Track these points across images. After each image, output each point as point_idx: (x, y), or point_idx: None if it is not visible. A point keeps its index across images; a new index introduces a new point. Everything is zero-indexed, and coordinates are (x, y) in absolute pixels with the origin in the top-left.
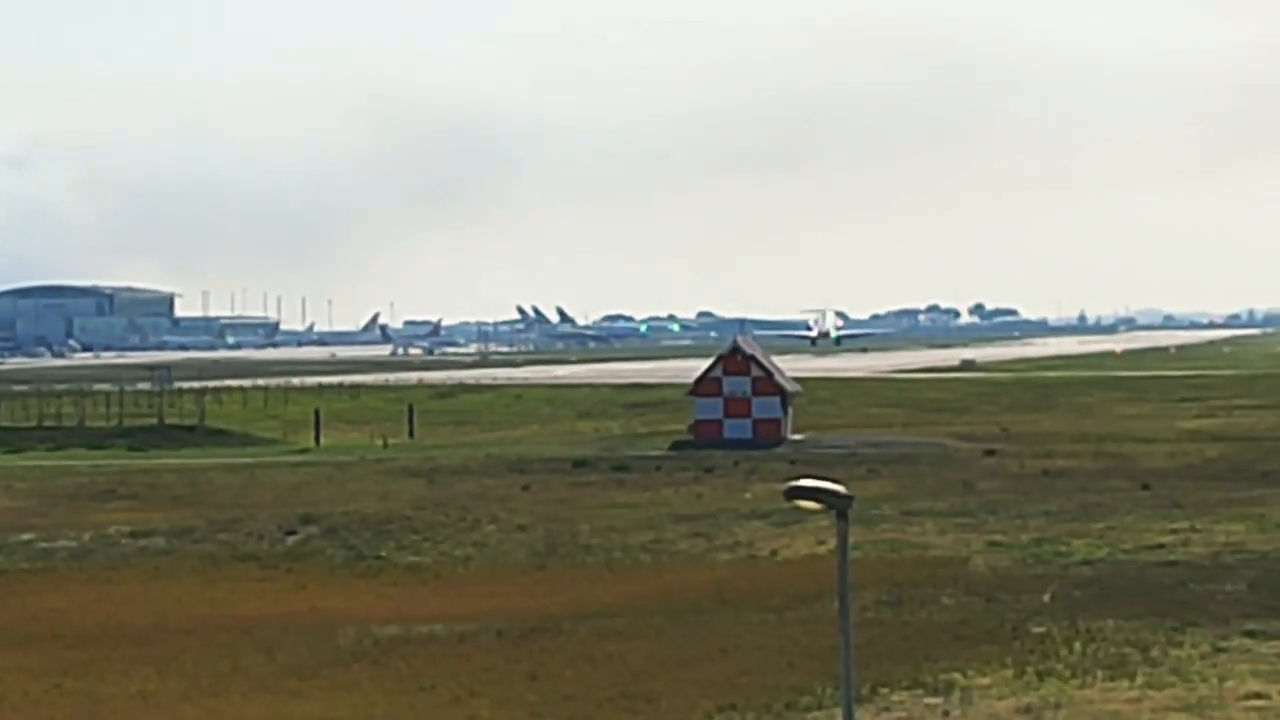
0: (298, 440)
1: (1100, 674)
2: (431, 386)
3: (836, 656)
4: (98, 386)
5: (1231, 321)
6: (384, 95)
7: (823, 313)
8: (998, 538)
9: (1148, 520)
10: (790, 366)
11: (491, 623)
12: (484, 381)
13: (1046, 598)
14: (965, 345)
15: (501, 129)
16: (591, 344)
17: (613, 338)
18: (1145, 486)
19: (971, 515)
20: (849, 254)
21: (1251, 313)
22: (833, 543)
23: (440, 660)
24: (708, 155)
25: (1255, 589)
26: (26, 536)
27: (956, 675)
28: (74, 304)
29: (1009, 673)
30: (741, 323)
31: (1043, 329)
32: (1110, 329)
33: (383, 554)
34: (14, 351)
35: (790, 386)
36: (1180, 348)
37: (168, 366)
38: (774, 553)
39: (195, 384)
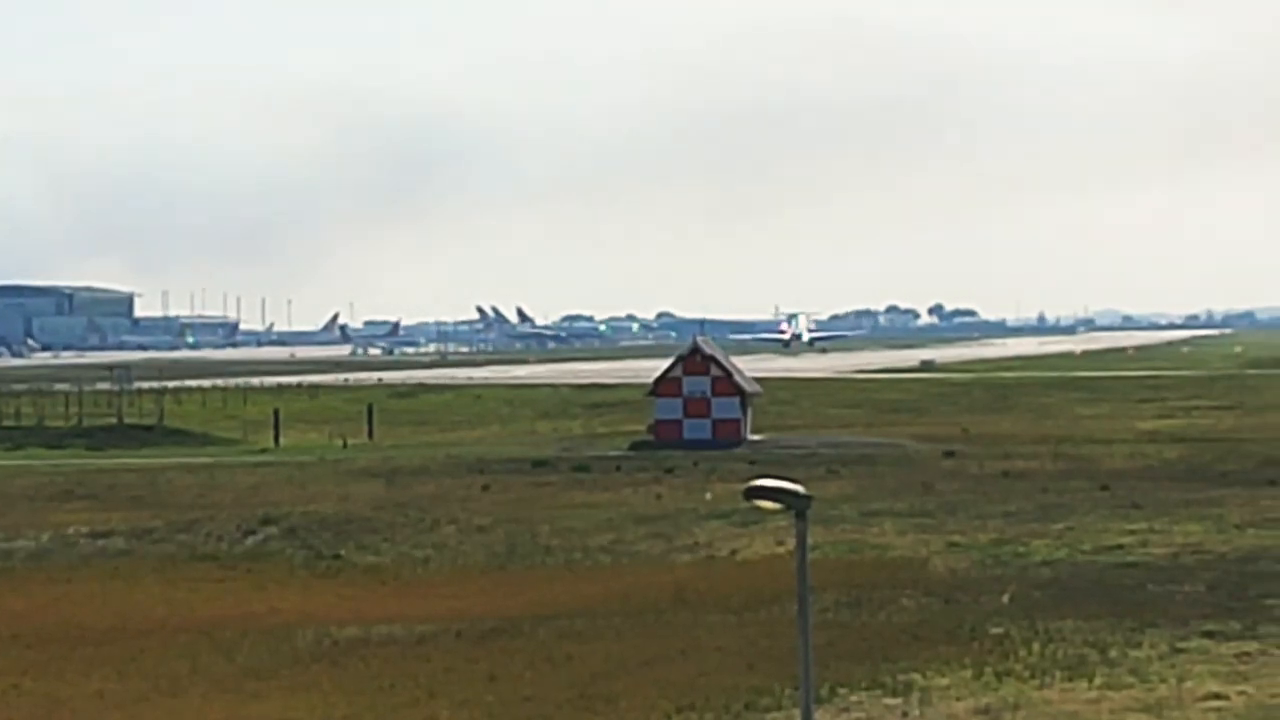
0: (257, 440)
1: (1059, 674)
2: (391, 387)
3: (796, 657)
4: (57, 386)
5: (1190, 322)
6: (344, 96)
7: (795, 315)
8: (957, 539)
9: (1106, 521)
10: (750, 367)
11: (451, 624)
12: (444, 382)
13: (1005, 598)
14: (924, 346)
15: (461, 129)
16: (551, 344)
17: (572, 338)
18: (1104, 487)
19: (931, 516)
20: (808, 255)
21: (1210, 313)
22: (792, 543)
23: (399, 661)
24: (667, 156)
25: (1214, 590)
26: None
27: (915, 676)
28: (33, 303)
29: (968, 673)
30: (701, 323)
31: (1002, 330)
32: (1069, 330)
33: (342, 555)
34: None
35: (750, 387)
36: (1139, 348)
37: (127, 366)
38: (733, 553)
39: (154, 384)
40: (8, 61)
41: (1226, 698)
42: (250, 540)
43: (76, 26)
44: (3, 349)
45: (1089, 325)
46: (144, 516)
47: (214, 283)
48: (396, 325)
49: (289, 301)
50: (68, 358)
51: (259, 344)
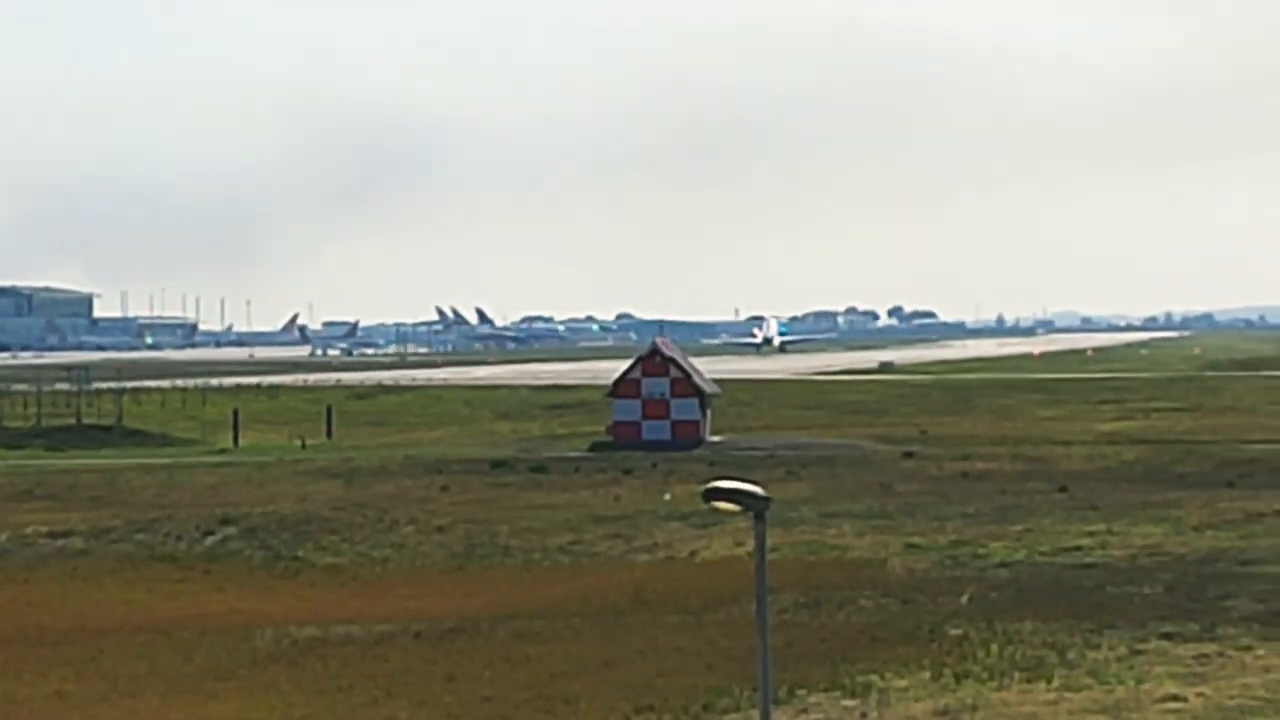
0: (216, 441)
1: (1017, 676)
2: (350, 387)
3: (754, 658)
4: (15, 386)
5: (1149, 324)
6: (303, 97)
7: (767, 319)
8: (916, 540)
9: (1065, 522)
10: (709, 368)
11: (409, 624)
12: (403, 382)
13: (964, 600)
14: (884, 347)
15: (421, 130)
16: (510, 345)
17: (532, 339)
18: (1063, 489)
19: (890, 517)
20: (767, 256)
21: (1169, 315)
22: (751, 544)
23: (358, 661)
24: (627, 157)
25: (1172, 591)
26: None
27: (874, 677)
28: None
29: (926, 674)
30: (661, 324)
31: (961, 331)
32: (1028, 331)
33: (300, 555)
34: None
35: (709, 388)
36: (1098, 350)
37: (86, 367)
38: (693, 554)
39: (113, 384)
40: None
41: (1185, 699)
42: (209, 540)
43: (35, 27)
44: None
45: (1048, 327)
46: (103, 517)
47: (173, 284)
48: (355, 326)
49: (248, 302)
50: (26, 358)
51: (218, 345)
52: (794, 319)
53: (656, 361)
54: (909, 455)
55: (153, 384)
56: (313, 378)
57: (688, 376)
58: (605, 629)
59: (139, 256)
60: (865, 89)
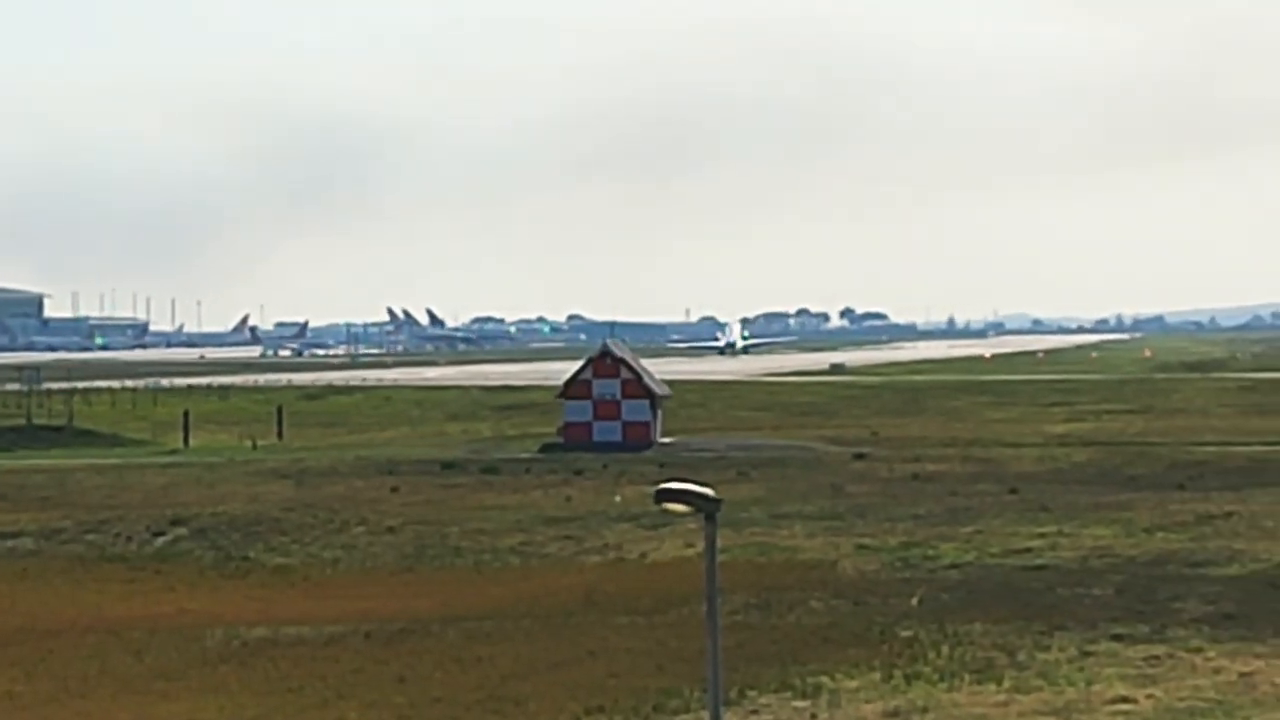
0: (166, 441)
1: (968, 677)
2: (300, 388)
3: (705, 659)
4: None
5: (1100, 326)
6: (253, 98)
7: (730, 324)
8: (866, 541)
9: (1015, 524)
10: (660, 370)
11: (360, 625)
12: (353, 383)
13: (914, 601)
14: (835, 349)
15: (372, 131)
16: (461, 346)
17: (483, 340)
18: (1013, 490)
19: (840, 519)
20: (718, 257)
21: (1120, 318)
22: (701, 546)
23: (308, 662)
24: (577, 159)
25: (1122, 593)
26: None
27: (824, 678)
28: None
29: (876, 676)
30: (612, 325)
31: (912, 333)
32: (979, 333)
33: (251, 556)
34: None
35: (659, 389)
36: (1049, 352)
37: (36, 367)
38: (643, 555)
39: (64, 385)
40: None
41: (1135, 701)
42: (159, 541)
43: None
44: None
45: (999, 329)
46: (53, 517)
47: (124, 284)
48: (305, 326)
49: (199, 303)
50: None
51: (169, 345)
52: (745, 320)
53: (607, 363)
54: (860, 457)
55: (103, 384)
56: (263, 378)
57: (638, 378)
58: (556, 630)
59: (90, 257)
60: (816, 91)
